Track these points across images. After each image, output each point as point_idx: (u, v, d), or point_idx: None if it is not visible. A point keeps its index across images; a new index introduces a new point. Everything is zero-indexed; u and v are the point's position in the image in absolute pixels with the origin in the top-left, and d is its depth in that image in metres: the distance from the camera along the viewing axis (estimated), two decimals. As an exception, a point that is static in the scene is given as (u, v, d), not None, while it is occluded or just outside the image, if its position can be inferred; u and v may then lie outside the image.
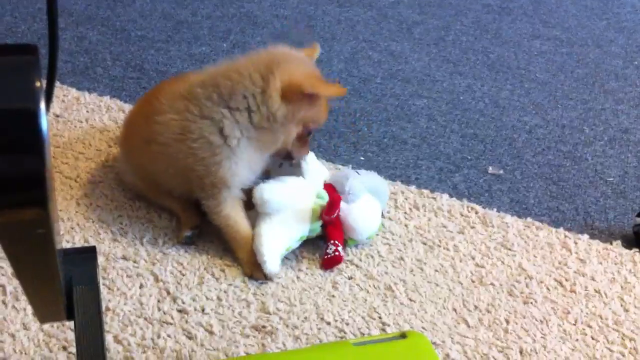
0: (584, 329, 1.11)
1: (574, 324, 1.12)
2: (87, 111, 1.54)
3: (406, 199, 1.36)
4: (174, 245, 1.19)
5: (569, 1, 2.48)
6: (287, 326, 1.06)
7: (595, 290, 1.19)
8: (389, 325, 1.08)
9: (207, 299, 1.10)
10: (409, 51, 1.97)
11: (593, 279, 1.21)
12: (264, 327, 1.05)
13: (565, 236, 1.31)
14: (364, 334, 1.06)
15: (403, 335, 0.90)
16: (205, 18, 2.03)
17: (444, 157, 1.53)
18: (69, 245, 1.17)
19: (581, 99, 1.85)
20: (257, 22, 2.03)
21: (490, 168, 1.50)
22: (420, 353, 0.87)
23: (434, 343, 1.06)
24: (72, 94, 1.59)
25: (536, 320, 1.13)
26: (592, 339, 1.09)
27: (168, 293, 1.10)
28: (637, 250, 1.28)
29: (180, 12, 2.05)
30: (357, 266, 1.19)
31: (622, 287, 1.20)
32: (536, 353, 1.06)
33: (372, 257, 1.21)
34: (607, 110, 1.81)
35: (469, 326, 1.10)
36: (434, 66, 1.91)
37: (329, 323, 1.07)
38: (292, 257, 1.19)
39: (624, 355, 1.07)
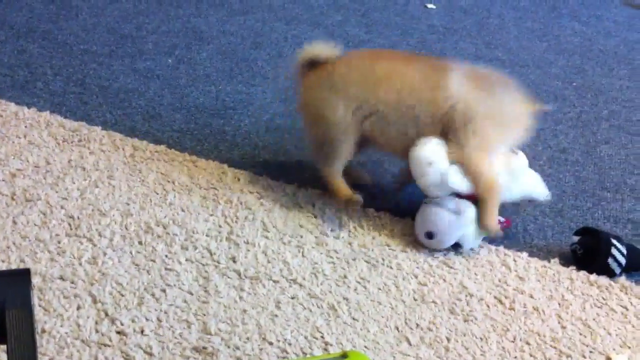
0: (522, 347, 1.13)
1: (513, 342, 1.14)
2: (26, 127, 1.50)
3: (350, 217, 1.37)
4: (113, 264, 1.17)
5: (511, 23, 2.55)
6: (228, 347, 1.05)
7: (533, 307, 1.21)
8: (331, 345, 1.08)
9: (146, 320, 1.07)
10: (355, 69, 1.99)
11: (531, 297, 1.23)
12: (204, 348, 1.04)
13: (505, 254, 1.33)
14: (306, 354, 1.06)
15: (344, 356, 0.90)
16: (150, 33, 2.01)
17: (389, 176, 1.54)
18: (4, 265, 1.13)
19: (522, 119, 1.89)
20: (203, 37, 2.02)
21: None
22: (361, 373, 0.87)
23: (376, 362, 1.06)
24: (11, 109, 1.55)
25: (476, 337, 1.14)
26: (530, 356, 1.11)
27: (106, 314, 1.07)
28: (574, 268, 1.32)
29: (125, 26, 2.02)
30: (300, 285, 1.19)
31: (559, 304, 1.23)
32: (476, 371, 1.08)
33: (315, 275, 1.21)
34: (546, 131, 1.86)
35: (410, 344, 1.11)
36: (379, 85, 1.93)
37: (271, 343, 1.07)
38: (235, 276, 1.18)
39: (560, 372, 1.10)
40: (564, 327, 1.18)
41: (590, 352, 1.12)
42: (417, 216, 1.33)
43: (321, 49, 1.37)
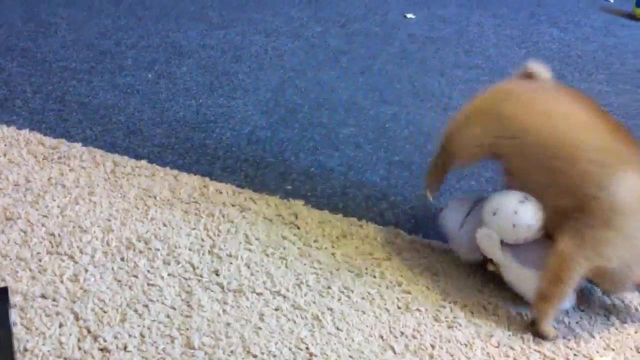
0: (506, 351, 1.13)
1: (497, 347, 1.14)
2: (5, 145, 1.49)
3: (333, 227, 1.37)
4: (95, 281, 1.16)
5: (490, 31, 2.57)
6: (212, 361, 1.04)
7: (516, 312, 1.21)
8: (316, 356, 1.08)
9: (129, 336, 1.07)
10: (335, 80, 2.00)
11: (514, 302, 1.24)
12: (188, 363, 1.03)
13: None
14: (291, 366, 1.05)
15: (327, 366, 0.90)
16: (130, 48, 2.00)
17: (370, 185, 1.55)
18: (-17, 285, 1.12)
19: (502, 125, 1.91)
20: (182, 52, 2.02)
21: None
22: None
23: (361, 371, 1.06)
24: (-11, 127, 1.55)
25: (460, 343, 1.14)
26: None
27: (89, 331, 1.07)
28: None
29: (104, 42, 2.02)
30: (284, 297, 1.18)
31: (542, 308, 1.23)
32: (461, 377, 1.08)
33: (299, 287, 1.21)
34: (527, 136, 1.87)
35: (395, 353, 1.11)
36: (360, 95, 1.94)
37: (255, 356, 1.06)
38: (218, 289, 1.18)
39: (545, 376, 1.10)
40: (547, 331, 1.18)
41: (575, 355, 1.13)
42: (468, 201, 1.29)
43: (537, 67, 1.26)
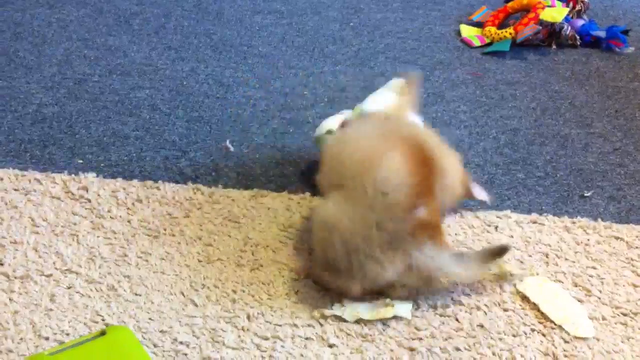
0: (309, 283, 1.16)
1: (297, 280, 1.17)
2: None
3: (128, 194, 1.33)
4: None
5: (289, -26, 2.57)
6: (0, 352, 0.99)
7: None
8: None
9: None
10: (128, 44, 1.92)
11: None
12: (-27, 361, 0.98)
13: (289, 199, 1.36)
14: (85, 341, 1.03)
15: (103, 333, 0.88)
16: None
17: (169, 145, 1.51)
18: None
19: (302, 66, 1.93)
20: (-45, 37, 1.86)
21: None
22: (121, 346, 0.86)
23: (162, 331, 1.05)
24: None
25: (263, 283, 1.16)
26: (315, 289, 1.15)
27: None
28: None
29: None
30: (76, 273, 1.14)
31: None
32: (262, 315, 1.10)
33: (93, 260, 1.17)
34: (327, 73, 1.91)
35: (196, 305, 1.11)
36: (155, 55, 1.89)
37: (47, 338, 1.02)
38: (3, 279, 1.11)
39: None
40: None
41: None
42: None
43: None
